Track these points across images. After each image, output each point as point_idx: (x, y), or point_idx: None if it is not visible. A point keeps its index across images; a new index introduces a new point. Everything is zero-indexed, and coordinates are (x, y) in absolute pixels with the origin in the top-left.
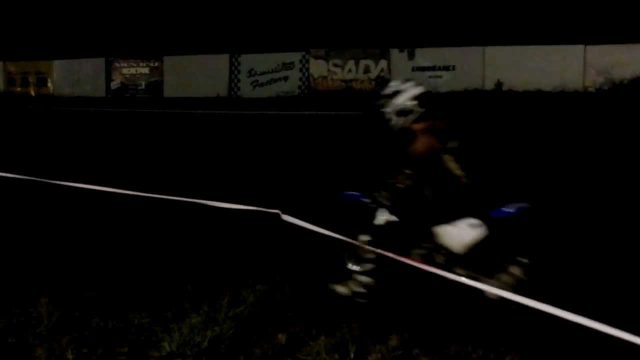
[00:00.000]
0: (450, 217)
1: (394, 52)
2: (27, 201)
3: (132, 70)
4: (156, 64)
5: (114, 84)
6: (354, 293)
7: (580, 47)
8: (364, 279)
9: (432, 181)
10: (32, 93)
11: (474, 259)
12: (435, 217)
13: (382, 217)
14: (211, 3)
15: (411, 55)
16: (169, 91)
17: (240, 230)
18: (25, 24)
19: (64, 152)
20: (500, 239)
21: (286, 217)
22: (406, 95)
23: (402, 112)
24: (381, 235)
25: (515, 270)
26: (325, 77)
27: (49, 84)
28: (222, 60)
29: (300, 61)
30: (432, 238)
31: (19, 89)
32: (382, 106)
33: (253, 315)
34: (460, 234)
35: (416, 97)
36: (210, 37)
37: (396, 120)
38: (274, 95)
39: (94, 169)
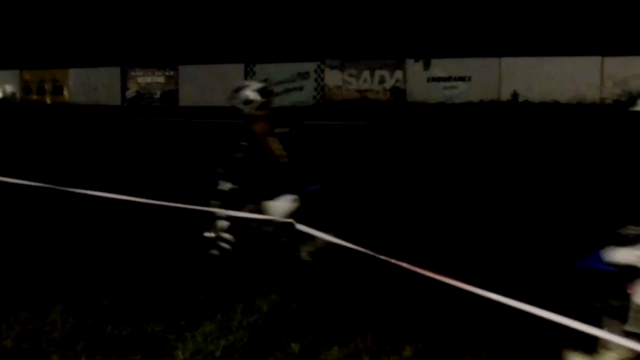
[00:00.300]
0: (274, 189)
1: (410, 63)
2: (43, 208)
3: (148, 79)
4: (171, 73)
5: (130, 93)
6: (221, 250)
7: (598, 58)
8: (226, 236)
9: (260, 156)
10: (48, 101)
11: (290, 228)
12: (263, 187)
13: (227, 185)
14: (226, 13)
15: (427, 66)
16: (184, 100)
17: (255, 239)
18: (41, 32)
19: (79, 160)
20: (309, 210)
21: (300, 226)
22: (250, 88)
23: (247, 102)
24: (228, 200)
25: (320, 239)
26: (340, 87)
27: (65, 92)
28: (237, 70)
29: (316, 71)
30: (262, 211)
31: (35, 97)
32: (234, 98)
33: (267, 324)
34: (280, 206)
35: (258, 90)
36: (226, 46)
37: (243, 108)
38: (289, 104)
39: (109, 177)
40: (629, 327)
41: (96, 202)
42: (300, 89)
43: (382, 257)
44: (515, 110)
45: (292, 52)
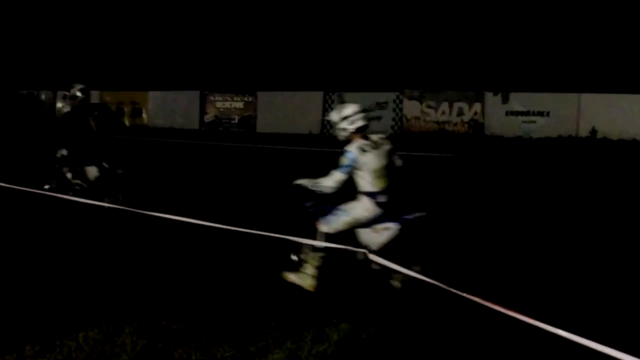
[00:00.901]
0: (91, 156)
1: (488, 96)
2: (117, 230)
3: (227, 105)
4: (250, 99)
5: (208, 117)
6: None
7: None
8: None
9: (82, 130)
10: (127, 123)
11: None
12: (84, 153)
13: (62, 151)
14: (307, 41)
15: (505, 99)
16: (261, 126)
17: (327, 267)
18: (122, 55)
19: (156, 183)
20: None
21: (373, 257)
22: (76, 88)
23: (74, 97)
24: (64, 164)
25: (119, 196)
26: (418, 118)
27: (144, 115)
28: (315, 98)
29: (394, 101)
30: (84, 176)
31: None
32: (64, 97)
33: (336, 354)
34: (91, 170)
35: (81, 90)
36: (305, 74)
37: (72, 102)
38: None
39: (184, 201)
40: (316, 244)
41: (172, 226)
42: (379, 118)
43: (453, 290)
44: (594, 147)
45: (372, 81)
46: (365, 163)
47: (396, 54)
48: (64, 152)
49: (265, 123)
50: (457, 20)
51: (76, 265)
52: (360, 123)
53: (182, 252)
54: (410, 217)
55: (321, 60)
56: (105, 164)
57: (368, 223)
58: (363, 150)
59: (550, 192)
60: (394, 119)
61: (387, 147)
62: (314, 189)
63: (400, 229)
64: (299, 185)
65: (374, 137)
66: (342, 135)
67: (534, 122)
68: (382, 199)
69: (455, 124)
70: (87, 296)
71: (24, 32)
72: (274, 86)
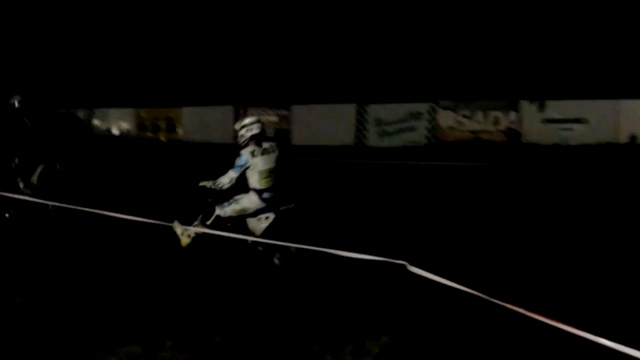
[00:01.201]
0: (35, 156)
1: (524, 104)
2: (158, 245)
3: (260, 118)
4: (284, 113)
5: None
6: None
7: None
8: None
9: (23, 131)
10: (162, 138)
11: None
12: (30, 155)
13: (15, 160)
14: (339, 53)
15: (542, 107)
16: (296, 139)
17: (367, 280)
18: (156, 72)
19: (189, 198)
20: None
21: (413, 269)
22: (14, 99)
23: (10, 107)
24: (17, 174)
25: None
26: (453, 128)
27: (179, 130)
28: (349, 110)
29: (428, 111)
30: (32, 183)
31: (149, 134)
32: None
33: None
34: (35, 174)
35: (19, 101)
36: (339, 86)
37: (9, 111)
38: (401, 145)
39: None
40: (205, 222)
41: (213, 242)
42: (413, 129)
43: (495, 300)
44: (634, 154)
45: (405, 92)
46: (254, 164)
47: (429, 65)
48: (17, 160)
49: (300, 136)
50: (491, 30)
51: (112, 279)
52: (254, 131)
53: (217, 264)
54: (283, 208)
55: (354, 73)
56: (45, 162)
57: (254, 213)
58: (253, 154)
59: (587, 200)
60: (428, 130)
61: (275, 153)
62: (214, 187)
63: (276, 218)
64: (204, 187)
65: (266, 144)
66: (240, 140)
67: (572, 129)
68: (266, 195)
69: (491, 133)
70: (127, 310)
71: (60, 52)
72: (307, 99)
